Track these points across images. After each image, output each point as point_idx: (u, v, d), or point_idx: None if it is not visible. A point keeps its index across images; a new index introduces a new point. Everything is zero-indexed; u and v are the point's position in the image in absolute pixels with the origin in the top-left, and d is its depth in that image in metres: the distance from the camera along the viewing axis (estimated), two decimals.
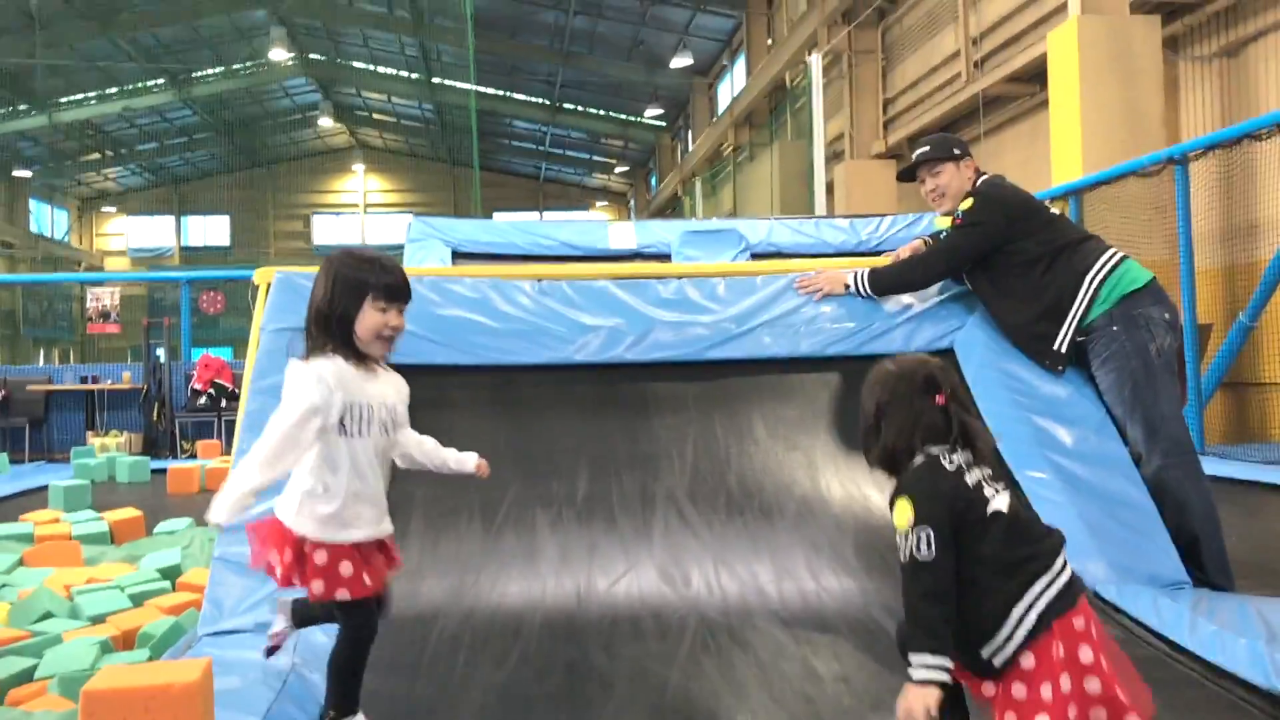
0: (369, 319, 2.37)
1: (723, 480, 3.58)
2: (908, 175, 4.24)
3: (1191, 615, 2.93)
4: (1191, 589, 3.31)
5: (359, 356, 2.37)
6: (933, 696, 1.87)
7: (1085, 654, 1.92)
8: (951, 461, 2.06)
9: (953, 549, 1.96)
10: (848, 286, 4.19)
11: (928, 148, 4.11)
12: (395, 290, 2.43)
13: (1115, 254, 3.81)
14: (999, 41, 12.90)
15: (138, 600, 3.91)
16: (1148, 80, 9.76)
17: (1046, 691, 1.89)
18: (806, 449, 3.73)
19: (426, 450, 2.57)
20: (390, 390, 2.45)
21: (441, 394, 3.84)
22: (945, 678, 1.89)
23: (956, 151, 4.07)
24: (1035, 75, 11.95)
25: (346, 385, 2.33)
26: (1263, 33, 9.21)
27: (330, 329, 2.36)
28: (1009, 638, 1.93)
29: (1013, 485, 2.85)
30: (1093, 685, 1.91)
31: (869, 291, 4.17)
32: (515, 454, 3.65)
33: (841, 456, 3.71)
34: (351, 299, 2.38)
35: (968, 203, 3.98)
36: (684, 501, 3.49)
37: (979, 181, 4.07)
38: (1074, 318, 3.79)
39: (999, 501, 2.02)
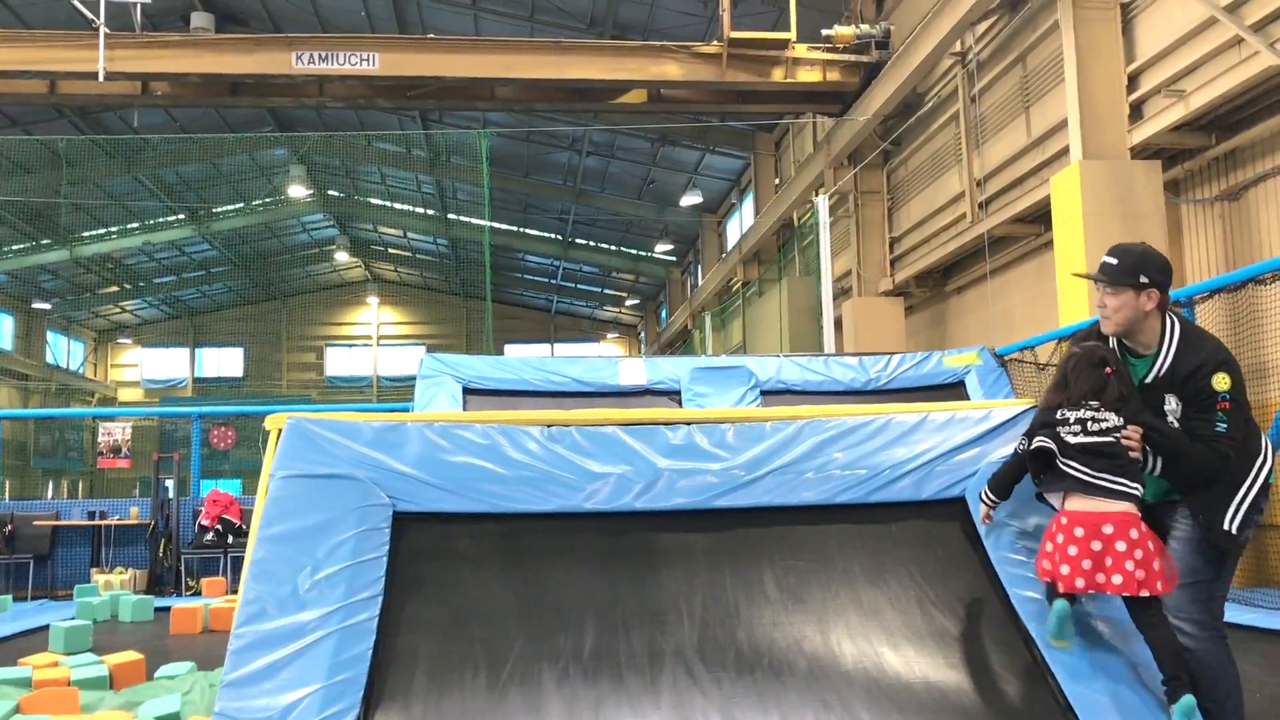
0: None
1: (732, 636, 3.51)
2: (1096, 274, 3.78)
3: None
4: None
5: None
6: None
7: None
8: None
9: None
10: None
11: (1114, 260, 3.71)
12: None
13: (1265, 441, 3.70)
14: (1003, 183, 13.16)
15: None
16: (1151, 223, 9.91)
17: None
18: (817, 603, 3.67)
19: None
20: None
21: (448, 543, 3.81)
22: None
23: (1144, 280, 3.64)
24: (1040, 216, 12.15)
25: None
26: (1262, 177, 9.39)
27: None
28: None
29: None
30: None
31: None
32: (521, 606, 3.60)
33: (852, 611, 3.64)
34: None
35: (1225, 381, 3.55)
36: (692, 658, 3.42)
37: (1176, 327, 3.67)
38: (1243, 501, 3.56)
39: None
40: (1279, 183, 9.19)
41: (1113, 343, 3.79)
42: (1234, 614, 6.55)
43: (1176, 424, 3.60)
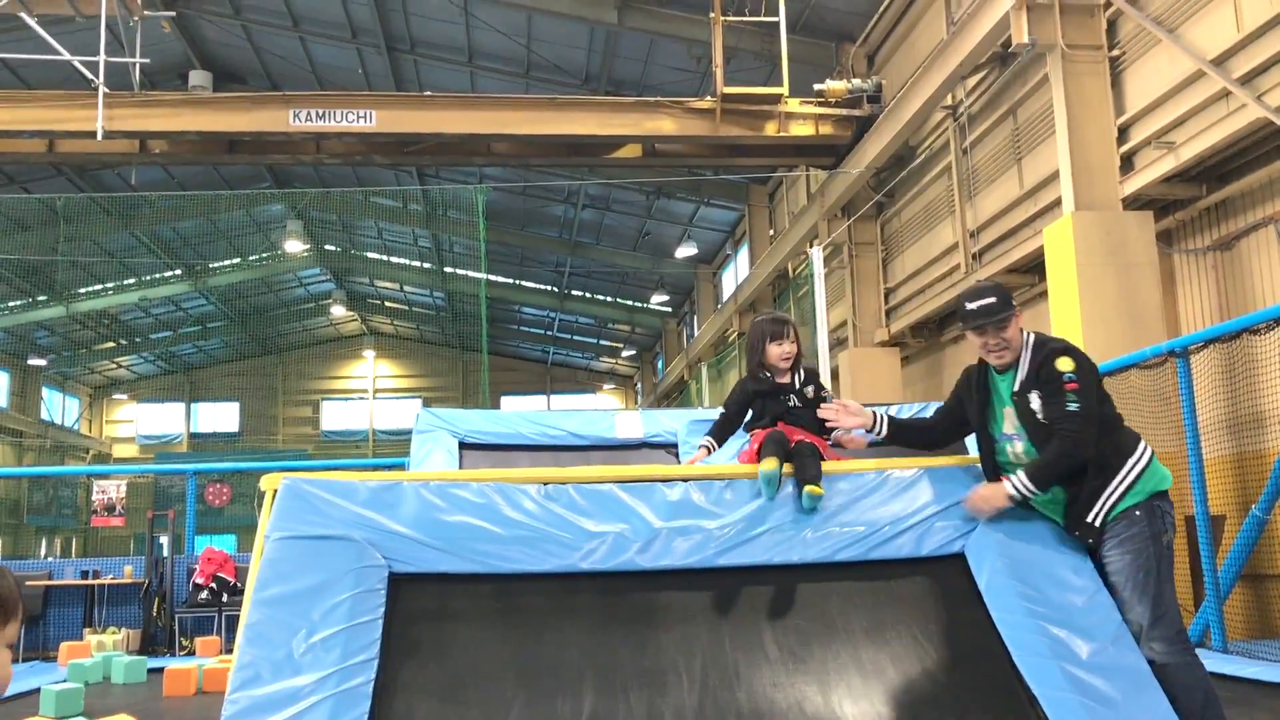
0: None
1: (732, 697, 3.47)
2: (973, 321, 4.02)
3: None
4: None
5: None
6: None
7: None
8: None
9: None
10: (1011, 498, 3.95)
11: (993, 300, 3.99)
12: None
13: (1147, 448, 3.98)
14: (996, 235, 13.23)
15: None
16: (1144, 273, 9.96)
17: None
18: (818, 662, 3.63)
19: None
20: None
21: (444, 604, 3.78)
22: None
23: (1014, 303, 4.06)
24: (1034, 266, 12.20)
25: None
26: (1253, 227, 9.45)
27: None
28: None
29: None
30: None
31: (1036, 492, 3.93)
32: (519, 669, 3.56)
33: (854, 671, 3.61)
34: None
35: (1068, 363, 3.89)
36: None
37: (1030, 335, 4.07)
38: (1109, 499, 3.88)
39: None
40: (1270, 232, 9.25)
41: (986, 369, 4.16)
42: (1237, 667, 6.49)
43: (1042, 419, 3.92)
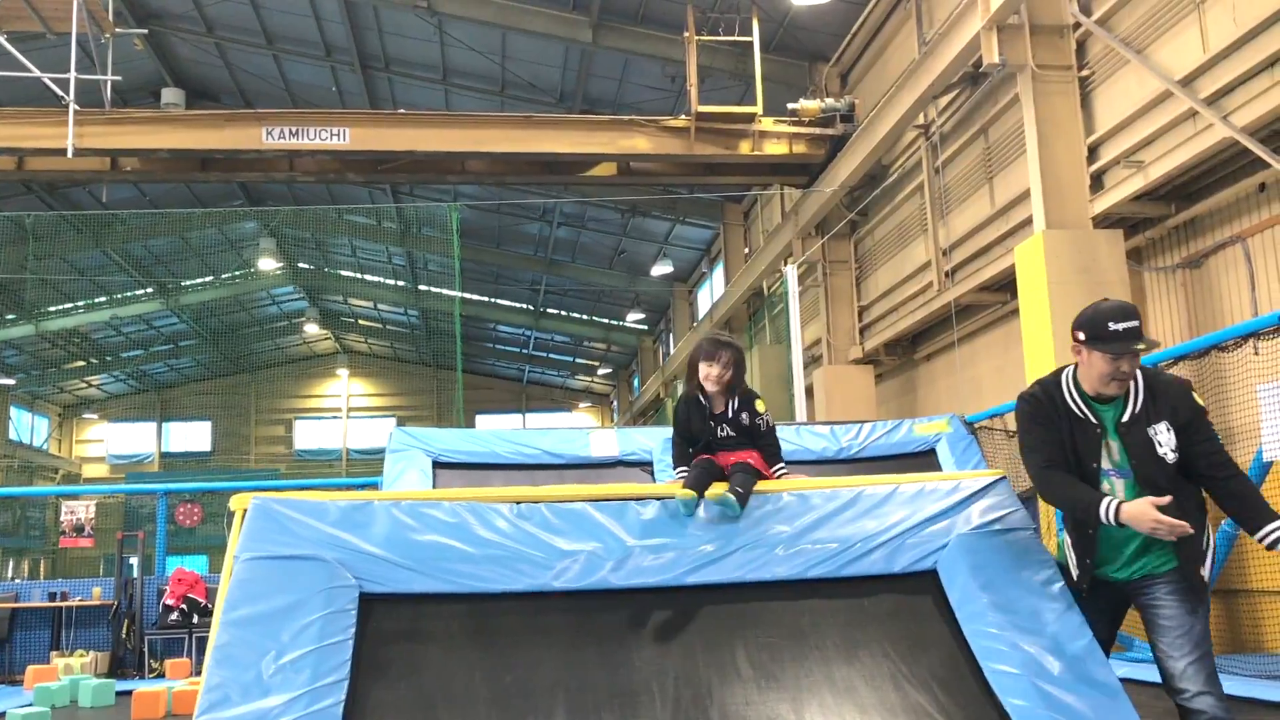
0: None
1: (705, 716, 3.45)
2: (1117, 344, 3.61)
3: None
4: None
5: None
6: None
7: None
8: None
9: None
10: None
11: (1137, 323, 3.64)
12: None
13: None
14: (968, 253, 13.33)
15: None
16: (1114, 291, 10.02)
17: None
18: (791, 680, 3.62)
19: None
20: None
21: (415, 625, 3.75)
22: None
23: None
24: (1005, 284, 12.30)
25: None
26: (1221, 245, 9.56)
27: None
28: None
29: None
30: None
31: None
32: (490, 689, 3.53)
33: (826, 688, 3.60)
34: None
35: (1200, 398, 3.72)
36: None
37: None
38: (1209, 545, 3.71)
39: None
40: (1238, 251, 9.36)
41: (1070, 395, 3.77)
42: None
43: (1171, 454, 3.61)
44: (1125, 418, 3.68)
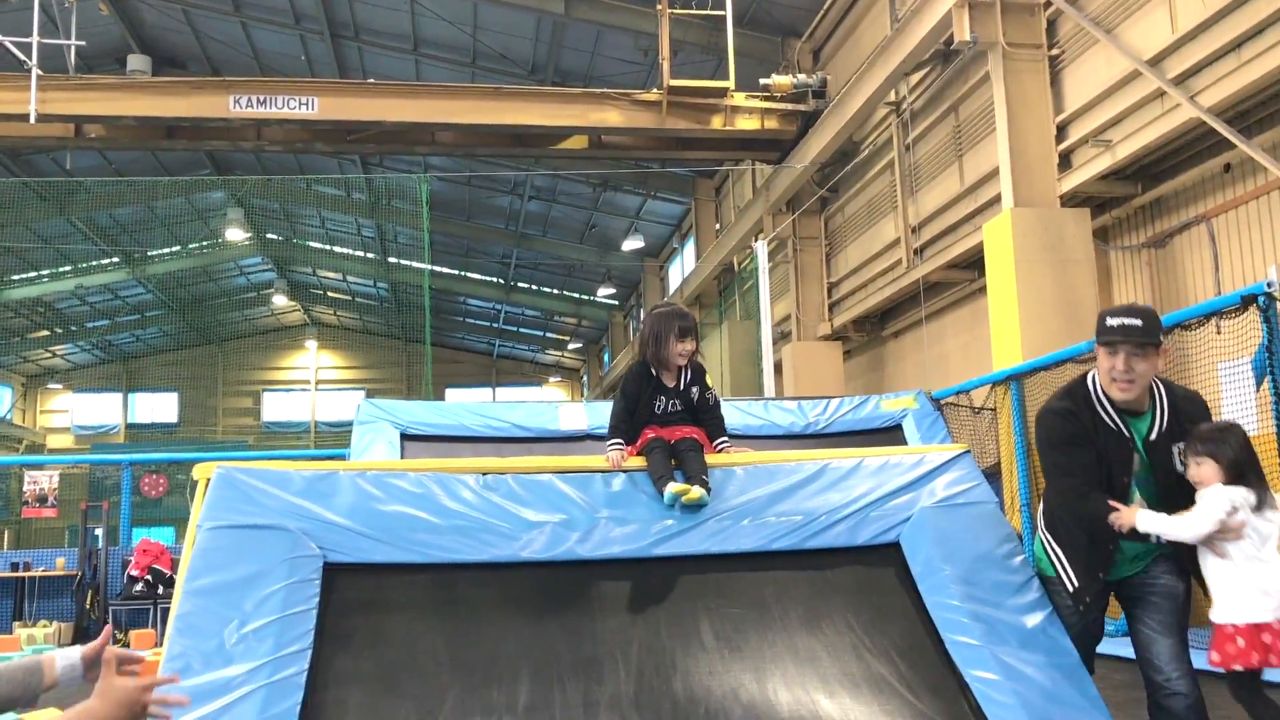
0: None
1: (668, 686, 3.48)
2: (1109, 338, 3.53)
3: None
4: None
5: None
6: None
7: None
8: None
9: None
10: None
11: (1139, 322, 3.49)
12: None
13: None
14: (937, 230, 13.38)
15: None
16: (1081, 269, 10.13)
17: None
18: (754, 651, 3.65)
19: None
20: None
21: (379, 595, 3.74)
22: None
23: (1160, 339, 3.54)
24: (974, 262, 12.36)
25: None
26: (1186, 225, 9.64)
27: None
28: None
29: None
30: None
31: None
32: (454, 659, 3.54)
33: (789, 659, 3.63)
34: None
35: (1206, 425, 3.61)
36: (629, 709, 3.38)
37: (1157, 379, 3.65)
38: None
39: None
40: (1203, 231, 9.44)
41: (1101, 404, 3.62)
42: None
43: (1182, 467, 3.57)
44: (1153, 436, 3.60)
